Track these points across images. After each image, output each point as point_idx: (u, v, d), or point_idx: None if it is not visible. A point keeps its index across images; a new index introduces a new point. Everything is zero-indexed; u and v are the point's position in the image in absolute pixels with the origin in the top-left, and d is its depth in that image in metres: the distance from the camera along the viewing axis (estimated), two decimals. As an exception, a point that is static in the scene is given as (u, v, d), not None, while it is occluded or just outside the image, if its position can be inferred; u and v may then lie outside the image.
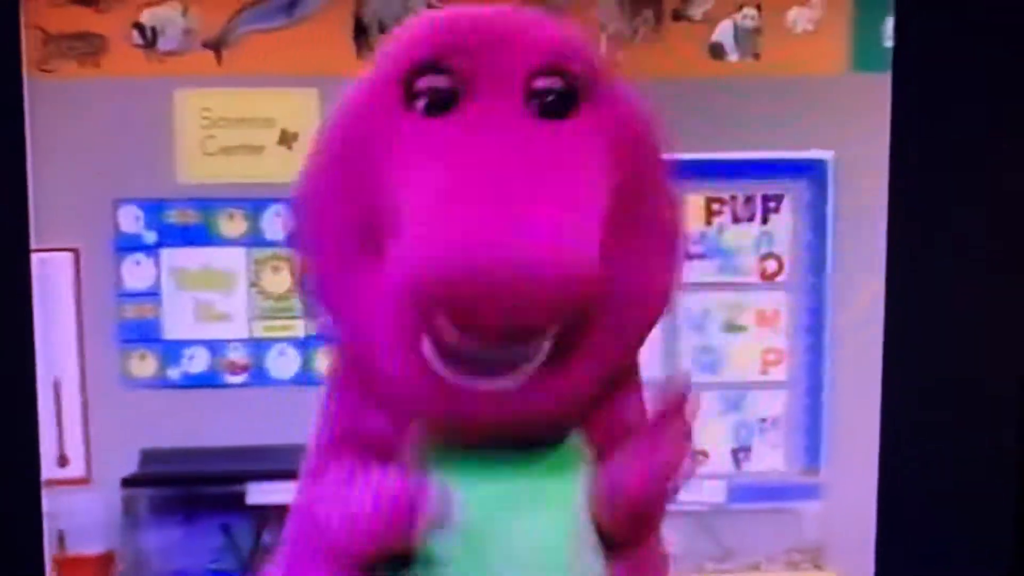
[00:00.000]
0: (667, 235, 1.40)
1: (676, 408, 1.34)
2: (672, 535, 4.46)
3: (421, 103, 1.26)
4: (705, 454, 4.48)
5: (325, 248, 1.35)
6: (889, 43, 4.31)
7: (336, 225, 1.33)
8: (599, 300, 1.26)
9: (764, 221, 4.55)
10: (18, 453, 3.00)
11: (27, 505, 3.03)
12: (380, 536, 1.29)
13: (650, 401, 1.39)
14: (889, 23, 4.30)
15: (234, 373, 4.48)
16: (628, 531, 1.37)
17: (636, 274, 1.33)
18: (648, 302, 1.37)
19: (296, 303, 3.83)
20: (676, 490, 1.38)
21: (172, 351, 4.51)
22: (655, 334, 4.30)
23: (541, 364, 1.25)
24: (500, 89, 1.25)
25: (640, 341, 1.39)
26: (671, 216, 1.41)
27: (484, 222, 1.17)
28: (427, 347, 1.25)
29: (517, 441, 1.32)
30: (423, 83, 1.26)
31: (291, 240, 1.38)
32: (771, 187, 4.52)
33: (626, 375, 1.42)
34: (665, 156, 1.41)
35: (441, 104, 1.26)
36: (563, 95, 1.27)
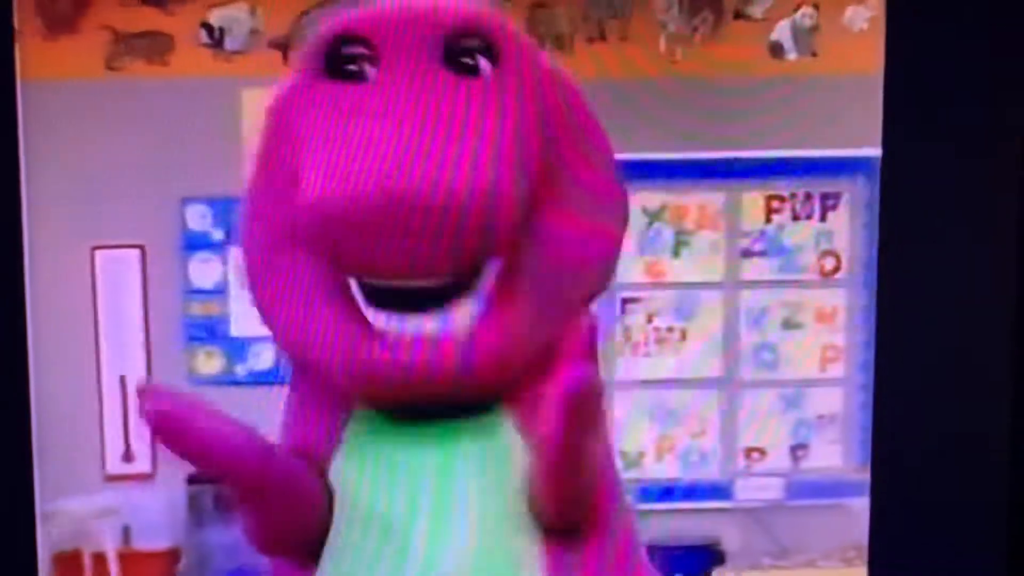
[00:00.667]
0: (602, 194, 1.40)
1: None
2: (733, 532, 4.39)
3: (337, 72, 1.29)
4: (763, 451, 4.56)
5: (254, 235, 1.37)
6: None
7: (263, 211, 1.35)
8: (511, 242, 1.26)
9: (823, 218, 4.54)
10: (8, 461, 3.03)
11: (21, 511, 3.05)
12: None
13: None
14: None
15: None
16: (550, 501, 1.32)
17: (569, 229, 1.34)
18: (582, 260, 1.37)
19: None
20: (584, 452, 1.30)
21: (238, 348, 4.53)
22: (713, 331, 4.26)
23: (474, 307, 1.27)
24: (416, 52, 1.27)
25: (577, 300, 1.38)
26: (605, 176, 1.41)
27: (373, 159, 1.19)
28: (354, 289, 1.27)
29: (445, 407, 1.32)
30: (338, 52, 1.29)
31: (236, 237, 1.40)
32: (829, 185, 4.52)
33: (566, 350, 1.36)
34: (593, 120, 1.41)
35: (359, 72, 1.28)
36: (480, 52, 1.29)
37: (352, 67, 1.28)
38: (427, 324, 1.26)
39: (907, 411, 1.10)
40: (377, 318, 1.27)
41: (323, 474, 1.38)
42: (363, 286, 1.28)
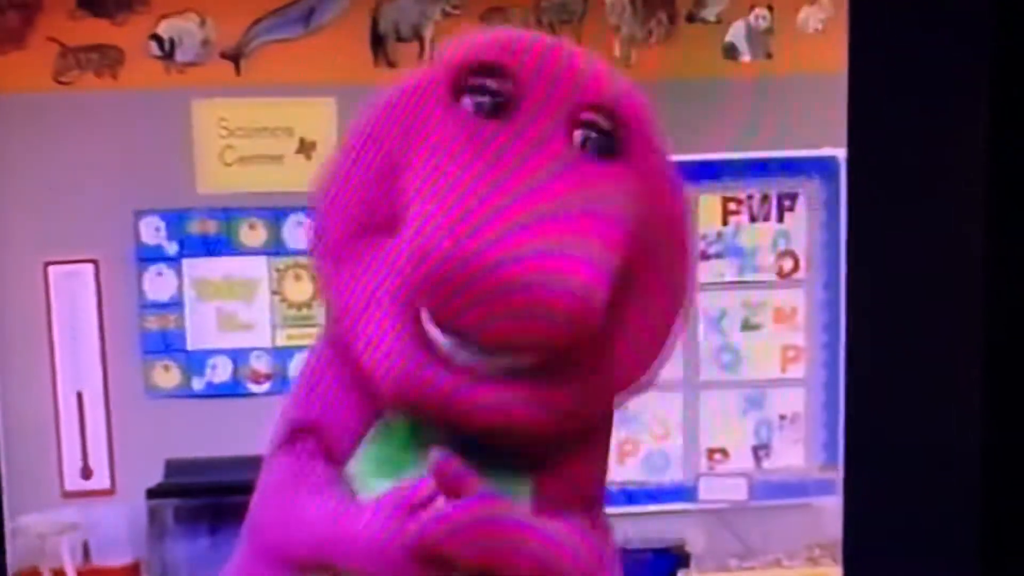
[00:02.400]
0: (674, 297, 1.38)
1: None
2: (698, 534, 4.33)
3: (470, 100, 1.25)
4: (726, 452, 4.57)
5: (341, 214, 1.33)
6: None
7: (356, 194, 1.32)
8: (590, 341, 1.25)
9: (780, 219, 4.54)
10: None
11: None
12: (315, 553, 1.30)
13: None
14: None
15: (257, 382, 4.52)
16: None
17: (634, 328, 1.32)
18: (640, 357, 1.35)
19: (319, 310, 3.87)
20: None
21: (195, 361, 4.55)
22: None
23: (529, 378, 1.24)
24: (548, 110, 1.25)
25: (623, 391, 1.37)
26: (681, 278, 1.39)
27: (494, 228, 1.17)
28: (426, 318, 1.24)
29: (473, 442, 1.28)
30: (476, 80, 1.26)
31: (314, 200, 1.37)
32: (786, 185, 4.52)
33: (597, 436, 1.39)
34: (686, 217, 1.39)
35: (489, 106, 1.25)
36: (607, 136, 1.27)
37: (484, 98, 1.26)
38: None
39: (877, 409, 1.10)
40: (444, 341, 1.24)
41: (339, 462, 1.36)
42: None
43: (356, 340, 1.31)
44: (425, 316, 1.24)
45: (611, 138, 1.27)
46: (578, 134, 1.25)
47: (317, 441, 1.36)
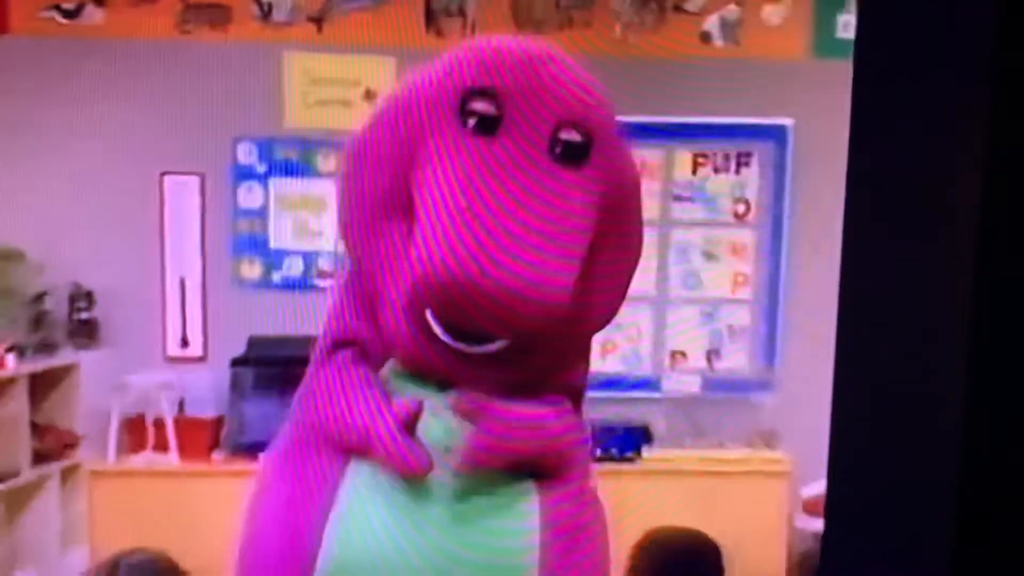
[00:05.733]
0: (632, 257, 1.44)
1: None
2: (660, 418, 4.59)
3: (470, 121, 1.29)
4: (685, 355, 4.98)
5: (362, 198, 1.37)
6: (841, 35, 4.76)
7: (374, 183, 1.35)
8: (560, 323, 1.31)
9: (737, 172, 4.90)
10: None
11: None
12: (364, 440, 1.36)
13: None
14: (841, 19, 4.77)
15: (323, 278, 4.81)
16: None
17: (602, 286, 1.39)
18: (608, 307, 1.42)
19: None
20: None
21: (275, 259, 4.84)
22: (649, 259, 4.72)
23: (503, 356, 1.33)
24: (531, 129, 1.29)
25: (597, 329, 1.45)
26: (637, 241, 1.44)
27: (484, 244, 1.23)
28: (430, 315, 1.32)
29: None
30: (475, 105, 1.30)
31: (339, 182, 1.40)
32: (744, 146, 4.88)
33: (580, 355, 1.49)
34: (638, 196, 1.44)
35: (484, 127, 1.29)
36: (579, 147, 1.31)
37: (481, 119, 1.28)
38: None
39: (861, 425, 0.97)
40: (442, 334, 1.32)
41: (375, 367, 1.42)
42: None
43: (381, 306, 1.36)
44: (428, 314, 1.31)
45: (584, 147, 1.30)
46: (556, 149, 1.29)
47: (356, 350, 1.41)
